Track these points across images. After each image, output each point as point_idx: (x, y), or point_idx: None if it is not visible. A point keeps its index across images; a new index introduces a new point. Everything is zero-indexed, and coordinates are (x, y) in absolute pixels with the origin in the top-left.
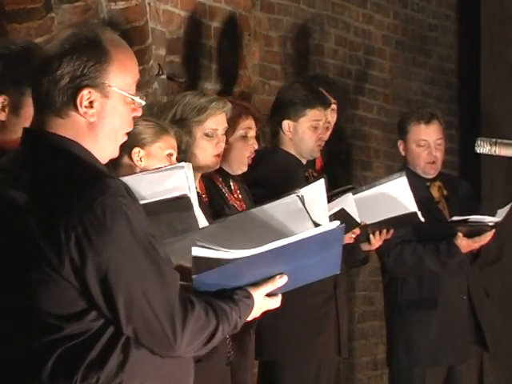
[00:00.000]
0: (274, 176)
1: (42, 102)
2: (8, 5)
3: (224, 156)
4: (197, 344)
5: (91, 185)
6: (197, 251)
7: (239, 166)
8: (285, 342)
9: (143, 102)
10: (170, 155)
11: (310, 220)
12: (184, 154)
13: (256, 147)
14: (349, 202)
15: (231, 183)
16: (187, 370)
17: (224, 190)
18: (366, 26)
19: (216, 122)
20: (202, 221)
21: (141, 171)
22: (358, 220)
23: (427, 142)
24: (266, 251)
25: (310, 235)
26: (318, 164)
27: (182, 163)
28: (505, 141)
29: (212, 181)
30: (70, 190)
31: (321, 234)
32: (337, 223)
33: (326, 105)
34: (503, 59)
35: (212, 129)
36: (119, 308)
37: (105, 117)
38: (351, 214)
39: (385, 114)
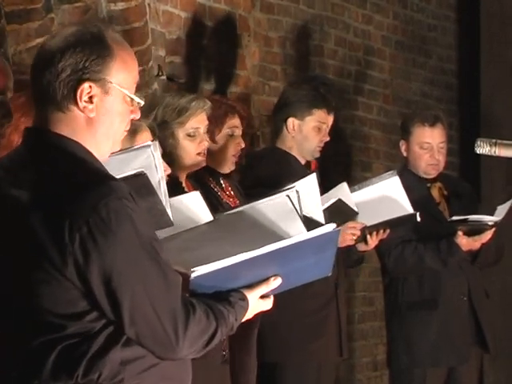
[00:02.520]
0: (276, 174)
1: (44, 96)
2: (8, 5)
3: (211, 155)
4: (197, 346)
5: (96, 186)
6: (196, 273)
7: (227, 164)
8: (286, 343)
9: (142, 102)
10: None
11: (301, 221)
12: (169, 156)
13: (243, 145)
14: (344, 192)
15: (221, 181)
16: (186, 369)
17: (216, 189)
18: (366, 27)
19: (197, 121)
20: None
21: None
22: (356, 209)
23: (430, 144)
24: (263, 254)
25: (307, 238)
26: (313, 167)
27: (149, 142)
28: (504, 141)
29: (203, 181)
30: (74, 191)
31: (317, 236)
32: (333, 226)
33: (331, 110)
34: (503, 59)
35: (194, 128)
36: (123, 311)
37: (104, 113)
38: (348, 203)
39: (384, 115)
